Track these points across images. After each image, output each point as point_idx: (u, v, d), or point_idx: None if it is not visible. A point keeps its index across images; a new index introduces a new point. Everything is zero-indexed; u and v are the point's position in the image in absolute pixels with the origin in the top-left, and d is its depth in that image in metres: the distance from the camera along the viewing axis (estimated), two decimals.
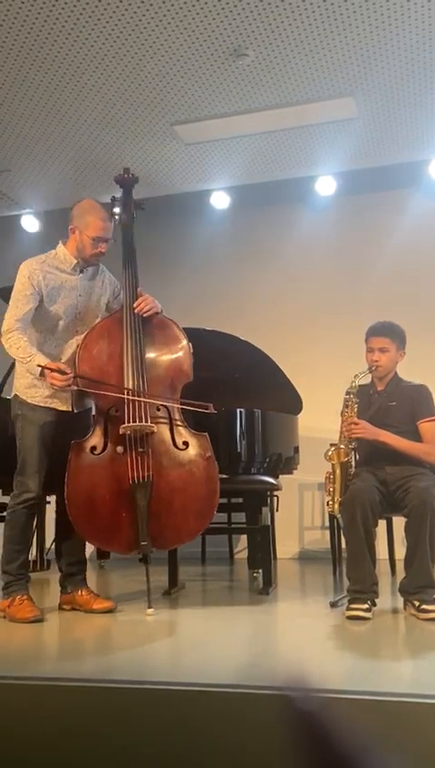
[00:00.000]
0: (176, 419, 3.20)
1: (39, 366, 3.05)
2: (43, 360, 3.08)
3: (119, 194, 3.66)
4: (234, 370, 4.27)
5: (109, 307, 3.47)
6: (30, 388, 3.23)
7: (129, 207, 3.54)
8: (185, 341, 3.34)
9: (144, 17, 3.77)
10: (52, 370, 3.04)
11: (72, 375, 3.07)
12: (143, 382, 3.20)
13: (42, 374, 3.07)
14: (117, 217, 3.47)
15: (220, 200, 5.84)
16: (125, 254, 3.47)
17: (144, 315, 3.30)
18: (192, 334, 3.92)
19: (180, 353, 3.33)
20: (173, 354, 3.33)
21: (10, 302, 3.21)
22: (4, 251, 6.16)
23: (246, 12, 3.74)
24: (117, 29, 3.86)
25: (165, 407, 3.21)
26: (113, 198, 3.50)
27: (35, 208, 6.12)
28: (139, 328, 3.28)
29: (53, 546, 3.57)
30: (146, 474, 3.09)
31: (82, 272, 3.34)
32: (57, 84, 4.36)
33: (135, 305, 3.30)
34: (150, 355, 3.30)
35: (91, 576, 4.00)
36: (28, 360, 3.10)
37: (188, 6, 3.69)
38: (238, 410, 3.84)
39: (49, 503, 4.28)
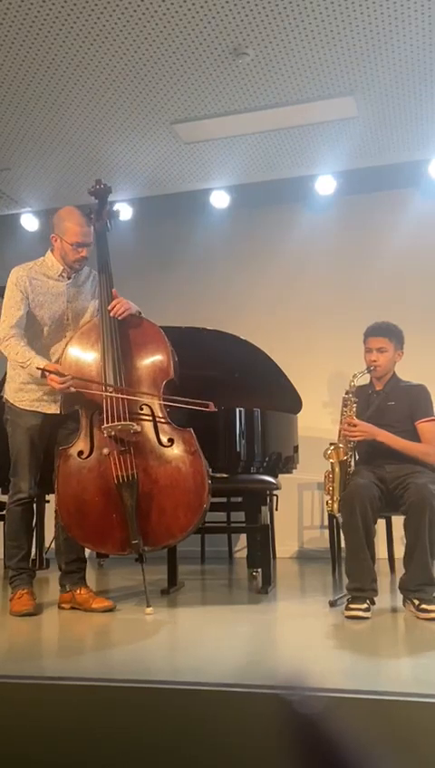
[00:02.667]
0: (159, 417, 3.23)
1: (39, 368, 3.14)
2: (42, 363, 3.17)
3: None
4: (233, 370, 4.27)
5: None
6: (18, 393, 3.34)
7: (102, 217, 3.59)
8: (163, 340, 3.38)
9: (143, 16, 3.77)
10: (51, 372, 3.14)
11: (70, 377, 3.16)
12: (122, 382, 3.26)
13: (43, 376, 3.15)
14: (93, 225, 3.54)
15: (220, 199, 5.83)
16: (100, 260, 3.53)
17: (119, 317, 3.35)
18: (192, 333, 3.92)
19: (158, 352, 3.36)
20: (151, 353, 3.37)
21: (2, 311, 3.33)
22: (4, 250, 6.16)
23: (246, 10, 3.74)
24: (116, 28, 3.86)
25: (148, 405, 3.23)
26: (90, 210, 3.56)
27: (35, 207, 6.12)
28: (115, 330, 3.34)
29: (53, 545, 3.58)
30: (130, 472, 3.13)
31: (69, 278, 3.43)
32: (57, 83, 4.35)
33: (109, 308, 3.36)
34: (129, 356, 3.35)
35: (91, 575, 4.00)
36: (27, 363, 3.19)
37: (187, 5, 3.69)
38: (238, 410, 3.84)
39: (48, 501, 4.28)
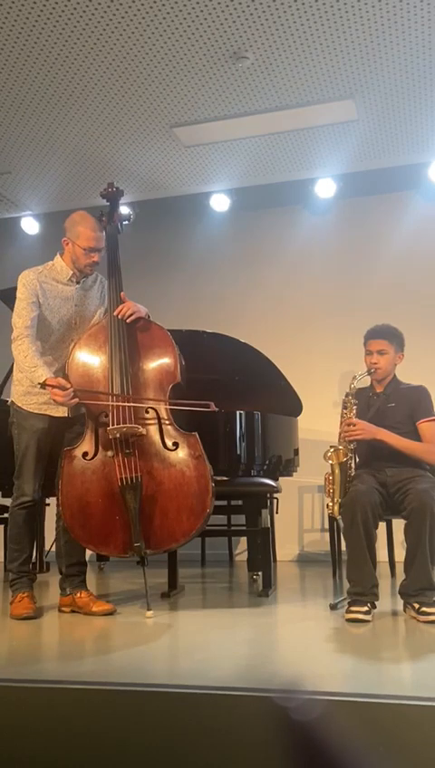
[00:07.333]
0: (164, 420, 3.23)
1: (40, 383, 3.13)
2: (46, 375, 3.15)
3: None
4: (234, 373, 4.28)
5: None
6: (25, 396, 3.33)
7: (114, 219, 3.59)
8: (171, 344, 3.38)
9: (144, 20, 3.78)
10: (53, 387, 3.12)
11: (72, 390, 3.15)
12: (128, 385, 3.25)
13: (42, 387, 3.14)
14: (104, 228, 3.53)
15: (220, 202, 5.84)
16: (110, 263, 3.53)
17: (127, 321, 3.35)
18: (193, 337, 3.91)
19: (165, 355, 3.37)
20: (158, 356, 3.37)
21: (15, 311, 3.31)
22: (5, 253, 6.18)
23: (246, 14, 3.75)
24: (117, 32, 3.87)
25: (153, 408, 3.24)
26: (102, 213, 3.55)
27: (35, 210, 6.13)
28: (122, 333, 3.34)
29: (54, 548, 3.58)
30: (134, 475, 3.13)
31: (78, 282, 3.42)
32: (57, 87, 4.36)
33: (115, 311, 3.36)
34: (136, 359, 3.35)
35: (91, 578, 4.00)
36: (32, 370, 3.18)
37: (187, 9, 3.70)
38: (238, 412, 3.85)
39: (48, 504, 4.29)
